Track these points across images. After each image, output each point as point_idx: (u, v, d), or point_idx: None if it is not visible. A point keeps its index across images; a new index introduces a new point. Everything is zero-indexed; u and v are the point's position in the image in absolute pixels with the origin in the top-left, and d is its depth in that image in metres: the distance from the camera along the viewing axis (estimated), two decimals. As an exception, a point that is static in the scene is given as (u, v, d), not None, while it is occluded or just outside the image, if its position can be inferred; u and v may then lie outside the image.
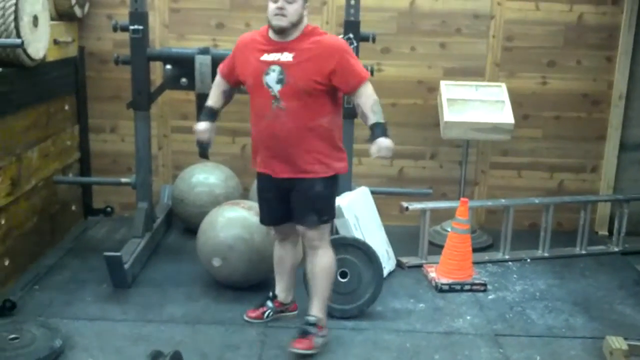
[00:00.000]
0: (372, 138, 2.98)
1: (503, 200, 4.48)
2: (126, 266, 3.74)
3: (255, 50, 3.04)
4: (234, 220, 3.74)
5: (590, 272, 4.27)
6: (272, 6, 2.94)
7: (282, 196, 3.14)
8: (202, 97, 3.99)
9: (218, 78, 3.32)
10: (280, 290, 3.47)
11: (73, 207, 4.66)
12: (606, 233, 4.92)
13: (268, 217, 3.29)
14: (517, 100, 4.64)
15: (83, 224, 4.80)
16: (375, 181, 4.75)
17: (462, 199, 4.07)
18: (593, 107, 4.83)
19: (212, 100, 3.32)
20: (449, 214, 4.24)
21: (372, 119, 3.00)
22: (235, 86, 3.29)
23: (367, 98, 3.01)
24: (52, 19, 4.11)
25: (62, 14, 4.32)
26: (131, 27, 3.90)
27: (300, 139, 3.00)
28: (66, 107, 4.48)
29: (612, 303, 3.82)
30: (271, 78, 2.97)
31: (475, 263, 4.13)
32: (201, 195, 4.48)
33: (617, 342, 3.18)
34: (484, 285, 3.94)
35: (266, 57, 2.99)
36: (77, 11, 4.42)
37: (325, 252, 3.18)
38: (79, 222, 4.77)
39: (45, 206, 4.13)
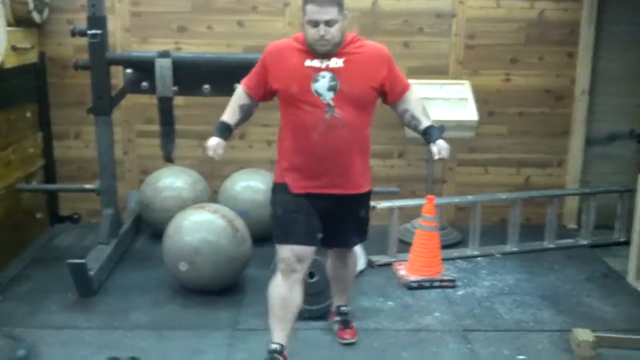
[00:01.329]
0: (431, 140, 2.89)
1: (470, 197, 4.50)
2: (91, 273, 3.68)
3: (294, 56, 2.79)
4: (200, 224, 3.70)
5: (558, 265, 4.30)
6: (311, 32, 2.71)
7: (320, 215, 2.87)
8: (164, 101, 3.99)
9: (239, 91, 2.98)
10: (286, 338, 2.89)
11: (38, 215, 4.58)
12: (575, 226, 4.97)
13: (304, 234, 2.83)
14: (482, 98, 4.67)
15: (49, 232, 4.73)
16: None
17: (428, 196, 4.08)
18: (557, 102, 4.87)
19: (227, 115, 2.97)
20: (418, 211, 4.24)
21: (426, 122, 2.93)
22: (260, 100, 2.97)
23: (417, 103, 2.96)
24: (9, 25, 4.04)
25: (20, 20, 4.25)
26: (89, 32, 3.85)
27: (353, 151, 2.84)
28: (28, 114, 4.41)
29: (580, 296, 3.85)
30: (321, 85, 2.75)
31: (445, 260, 4.13)
32: (168, 199, 4.43)
33: (584, 335, 3.19)
34: (453, 281, 3.95)
35: (312, 62, 2.76)
36: (36, 17, 4.36)
37: (353, 253, 3.24)
38: (44, 231, 4.70)
39: (8, 215, 4.06)
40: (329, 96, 2.75)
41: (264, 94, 2.93)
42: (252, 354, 3.12)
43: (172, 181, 4.53)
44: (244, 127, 4.87)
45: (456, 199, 4.72)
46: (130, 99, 4.50)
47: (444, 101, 4.45)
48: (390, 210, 4.22)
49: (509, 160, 4.95)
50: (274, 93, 2.89)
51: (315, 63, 2.76)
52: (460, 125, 4.35)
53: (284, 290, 2.83)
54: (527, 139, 4.91)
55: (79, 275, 3.62)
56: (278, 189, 2.92)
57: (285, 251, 2.81)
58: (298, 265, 2.81)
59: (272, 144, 4.90)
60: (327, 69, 2.75)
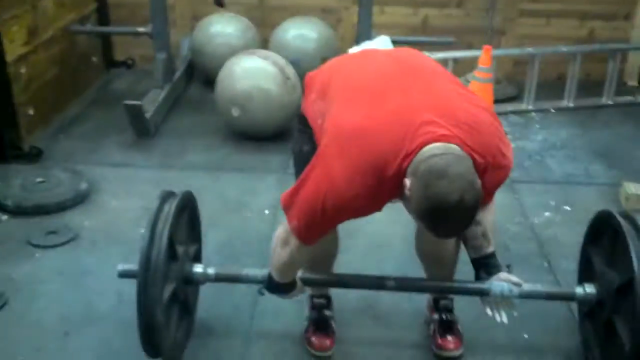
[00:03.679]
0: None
1: (529, 49, 4.33)
2: (147, 115, 3.78)
3: None
4: (251, 70, 3.71)
5: (615, 122, 4.19)
6: None
7: None
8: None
9: None
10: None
11: (93, 59, 4.64)
12: (636, 84, 4.77)
13: None
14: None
15: (105, 76, 4.81)
16: (398, 31, 4.60)
17: (485, 46, 3.95)
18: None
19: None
20: (475, 64, 4.13)
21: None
22: None
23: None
24: None
25: None
26: None
27: None
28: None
29: (633, 152, 3.78)
30: None
31: (499, 114, 4.04)
32: (220, 46, 4.41)
33: (633, 188, 3.18)
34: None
35: None
36: None
37: None
38: (100, 75, 4.78)
39: (65, 57, 4.12)
40: None
41: None
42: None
43: (223, 27, 4.50)
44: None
45: (514, 51, 4.56)
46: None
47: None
48: (445, 61, 4.12)
49: (573, 11, 4.68)
50: None
51: None
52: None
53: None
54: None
55: (136, 116, 3.72)
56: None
57: None
58: None
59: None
60: None
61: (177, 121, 4.09)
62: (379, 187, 1.65)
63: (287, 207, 1.80)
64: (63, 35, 4.10)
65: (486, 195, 1.78)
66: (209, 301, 2.40)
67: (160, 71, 4.17)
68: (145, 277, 1.89)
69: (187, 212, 2.18)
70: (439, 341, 2.22)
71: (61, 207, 3.04)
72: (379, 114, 1.68)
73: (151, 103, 3.95)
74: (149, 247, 1.91)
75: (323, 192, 1.68)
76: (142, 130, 3.78)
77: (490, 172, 1.71)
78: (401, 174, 1.61)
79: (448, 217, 1.56)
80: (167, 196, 2.07)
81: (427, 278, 2.26)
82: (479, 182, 1.58)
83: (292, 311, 2.39)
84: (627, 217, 2.01)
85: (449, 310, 2.28)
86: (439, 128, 1.63)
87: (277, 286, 2.03)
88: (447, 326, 2.24)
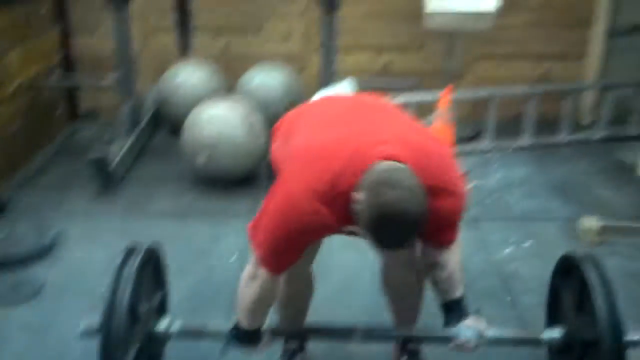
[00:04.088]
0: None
1: (487, 91, 4.48)
2: (112, 165, 3.80)
3: None
4: (216, 118, 3.76)
5: (571, 159, 4.33)
6: None
7: None
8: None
9: None
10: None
11: (58, 111, 4.67)
12: (591, 121, 4.94)
13: None
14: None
15: (70, 127, 4.83)
16: (361, 76, 4.69)
17: (445, 88, 4.07)
18: (580, -9, 4.73)
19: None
20: (435, 107, 4.24)
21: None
22: None
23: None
24: None
25: None
26: None
27: None
28: (45, 8, 4.39)
29: (590, 187, 3.91)
30: None
31: (458, 154, 4.14)
32: (186, 94, 4.46)
33: (590, 222, 3.28)
34: (465, 174, 4.00)
35: None
36: None
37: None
38: (65, 125, 4.80)
39: (29, 109, 4.14)
40: None
41: None
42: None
43: (189, 76, 4.56)
44: (260, 21, 4.84)
45: (472, 93, 4.71)
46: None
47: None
48: (406, 104, 4.22)
49: (529, 53, 4.87)
50: None
51: None
52: (479, 15, 4.26)
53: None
54: (548, 31, 4.80)
55: (100, 169, 3.74)
56: None
57: None
58: None
59: (289, 38, 4.88)
60: None
61: (143, 170, 4.12)
62: (334, 203, 1.69)
63: (253, 236, 1.83)
64: (28, 88, 4.13)
65: (445, 230, 1.85)
66: (176, 355, 2.40)
67: (125, 121, 4.21)
68: (107, 341, 1.90)
69: (151, 266, 2.18)
70: None
71: (25, 261, 3.02)
72: (334, 137, 1.76)
73: (116, 154, 3.97)
74: (109, 312, 1.92)
75: (284, 214, 1.73)
76: (106, 182, 3.79)
77: (442, 198, 1.74)
78: (352, 188, 1.66)
79: (392, 224, 1.60)
80: (129, 253, 2.07)
81: (392, 313, 2.29)
82: (424, 197, 1.63)
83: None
84: (595, 264, 2.03)
85: (416, 353, 2.31)
86: (391, 148, 1.70)
87: (245, 335, 1.97)
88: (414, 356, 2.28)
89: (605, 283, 1.97)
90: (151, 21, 4.78)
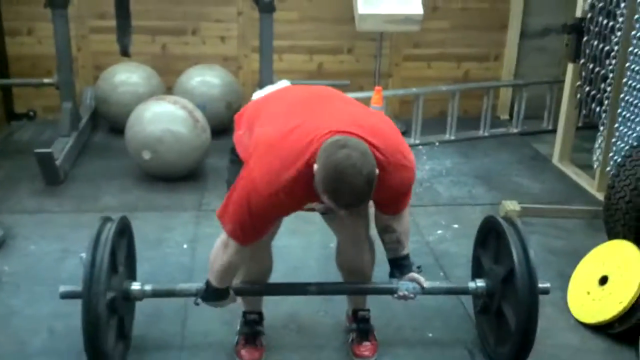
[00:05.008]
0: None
1: (413, 90, 4.81)
2: (57, 162, 3.86)
3: None
4: (161, 114, 3.89)
5: (492, 151, 4.71)
6: None
7: None
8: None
9: None
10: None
11: (-5, 112, 4.66)
12: (507, 117, 5.37)
13: None
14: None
15: (7, 128, 4.82)
16: (296, 76, 4.94)
17: (376, 87, 4.36)
18: (496, -3, 5.14)
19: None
20: (366, 103, 4.52)
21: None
22: None
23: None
24: None
25: None
26: None
27: None
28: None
29: (510, 175, 4.28)
30: None
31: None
32: (125, 94, 4.56)
33: (511, 205, 3.63)
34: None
35: None
36: None
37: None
38: (2, 127, 4.79)
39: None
40: None
41: None
42: (217, 229, 3.38)
43: (128, 76, 4.66)
44: (197, 23, 4.99)
45: (400, 92, 5.03)
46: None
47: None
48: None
49: (450, 54, 5.24)
50: None
51: None
52: (407, 19, 4.57)
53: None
54: (468, 34, 5.19)
55: (46, 164, 3.79)
56: None
57: None
58: None
59: (225, 40, 5.05)
60: None
61: (87, 167, 4.19)
62: (293, 182, 1.90)
63: (222, 215, 2.06)
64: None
65: (399, 200, 2.11)
66: (144, 321, 2.57)
67: (67, 120, 4.26)
68: (91, 273, 2.09)
69: (126, 234, 2.39)
70: (356, 348, 2.48)
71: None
72: (294, 125, 1.98)
73: (60, 151, 4.03)
74: (94, 251, 2.13)
75: (247, 194, 1.95)
76: (52, 177, 3.85)
77: (393, 170, 1.96)
78: (311, 163, 1.86)
79: (346, 182, 1.79)
80: (105, 221, 2.27)
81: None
82: (373, 159, 1.85)
83: (222, 331, 2.58)
84: (508, 219, 2.39)
85: (366, 320, 2.53)
86: (347, 127, 1.92)
87: (214, 292, 2.23)
88: (364, 335, 2.50)
89: (519, 234, 2.28)
90: (87, 23, 4.85)
